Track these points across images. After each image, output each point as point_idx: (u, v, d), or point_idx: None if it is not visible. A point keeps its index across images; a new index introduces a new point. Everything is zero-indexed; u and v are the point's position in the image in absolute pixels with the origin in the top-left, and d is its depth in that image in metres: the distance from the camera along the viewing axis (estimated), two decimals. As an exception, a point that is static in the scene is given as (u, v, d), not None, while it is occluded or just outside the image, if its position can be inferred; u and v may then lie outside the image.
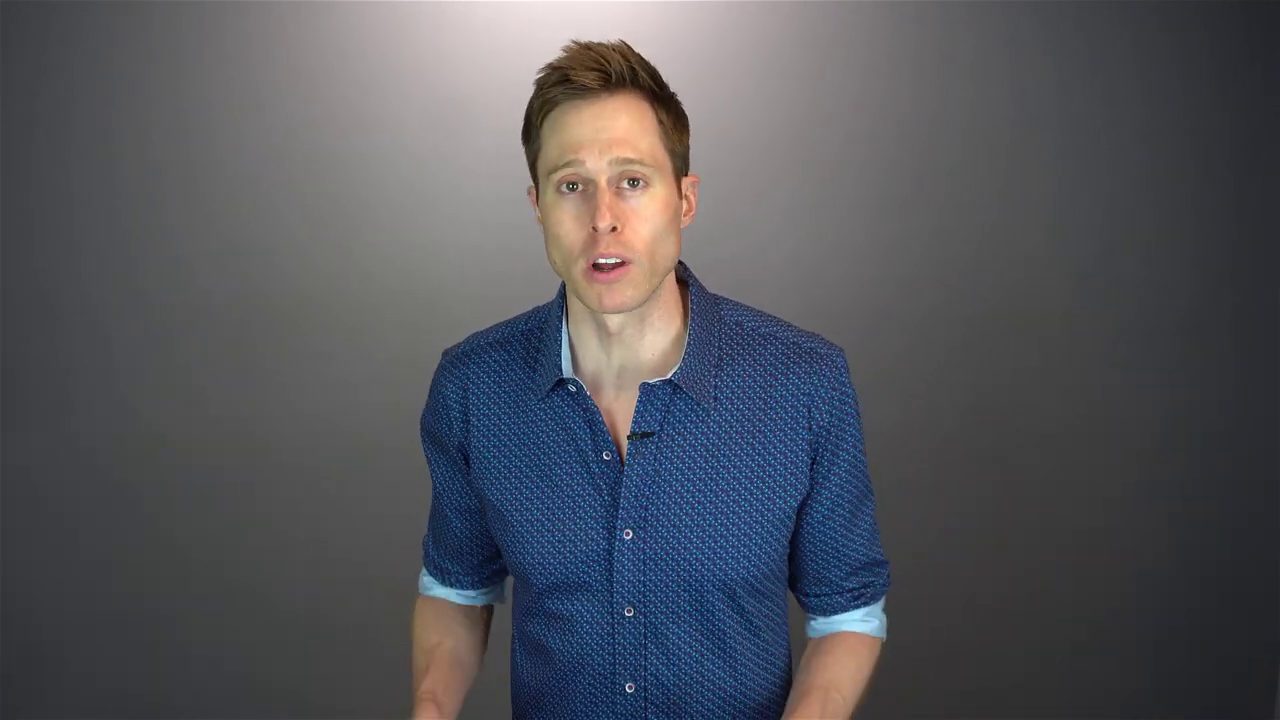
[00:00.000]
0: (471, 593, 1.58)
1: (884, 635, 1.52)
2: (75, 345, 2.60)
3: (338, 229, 2.60)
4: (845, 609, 1.48)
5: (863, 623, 1.49)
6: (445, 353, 1.49)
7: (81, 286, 2.59)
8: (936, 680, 2.78)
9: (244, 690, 2.71)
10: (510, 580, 1.56)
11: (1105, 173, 2.68)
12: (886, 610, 1.54)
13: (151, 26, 2.51)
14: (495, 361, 1.44)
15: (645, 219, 1.29)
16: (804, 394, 1.38)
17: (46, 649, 2.67)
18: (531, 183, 1.39)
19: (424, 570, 1.60)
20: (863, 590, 1.48)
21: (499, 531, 1.44)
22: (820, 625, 1.50)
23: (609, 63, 1.29)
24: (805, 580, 1.49)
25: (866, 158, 2.65)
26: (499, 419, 1.42)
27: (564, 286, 1.42)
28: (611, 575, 1.38)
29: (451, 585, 1.57)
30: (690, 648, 1.40)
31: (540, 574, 1.40)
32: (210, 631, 2.69)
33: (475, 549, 1.54)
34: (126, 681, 2.69)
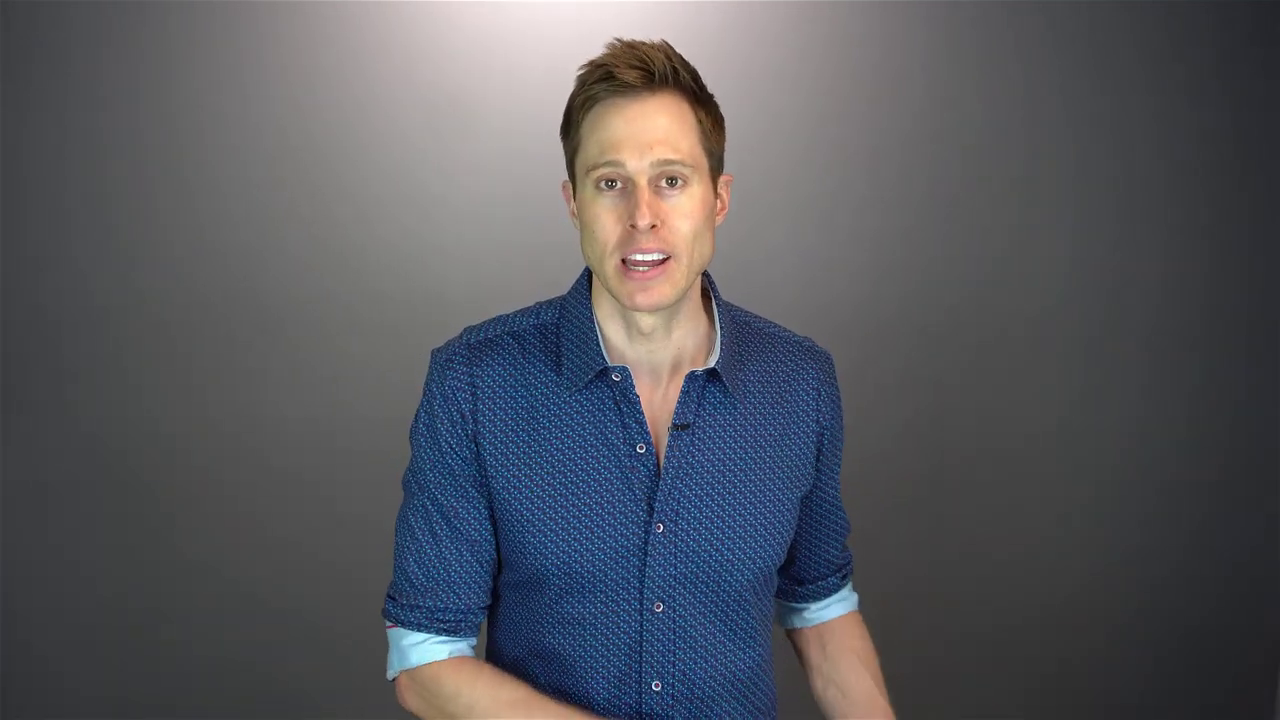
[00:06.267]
0: (473, 639, 1.41)
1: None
2: (71, 346, 2.59)
3: (333, 232, 2.59)
4: (837, 588, 1.56)
5: (847, 601, 1.58)
6: (438, 351, 1.41)
7: (77, 287, 2.57)
8: (935, 683, 2.78)
9: (242, 691, 2.70)
10: None
11: (1118, 172, 2.68)
12: (864, 605, 1.62)
13: (144, 28, 2.50)
14: (510, 355, 1.37)
15: (684, 216, 1.29)
16: (813, 389, 1.44)
17: (45, 649, 2.67)
18: (567, 178, 1.38)
19: (416, 639, 1.38)
20: (845, 563, 1.57)
21: (513, 534, 1.35)
22: (814, 612, 1.56)
23: (652, 62, 1.29)
24: (806, 564, 1.53)
25: (875, 163, 2.64)
26: (513, 414, 1.35)
27: (584, 279, 1.41)
28: (644, 571, 1.34)
29: (463, 635, 1.39)
30: (715, 640, 1.38)
31: (564, 574, 1.33)
32: (208, 632, 2.68)
33: (491, 573, 1.40)
34: (125, 683, 2.68)
